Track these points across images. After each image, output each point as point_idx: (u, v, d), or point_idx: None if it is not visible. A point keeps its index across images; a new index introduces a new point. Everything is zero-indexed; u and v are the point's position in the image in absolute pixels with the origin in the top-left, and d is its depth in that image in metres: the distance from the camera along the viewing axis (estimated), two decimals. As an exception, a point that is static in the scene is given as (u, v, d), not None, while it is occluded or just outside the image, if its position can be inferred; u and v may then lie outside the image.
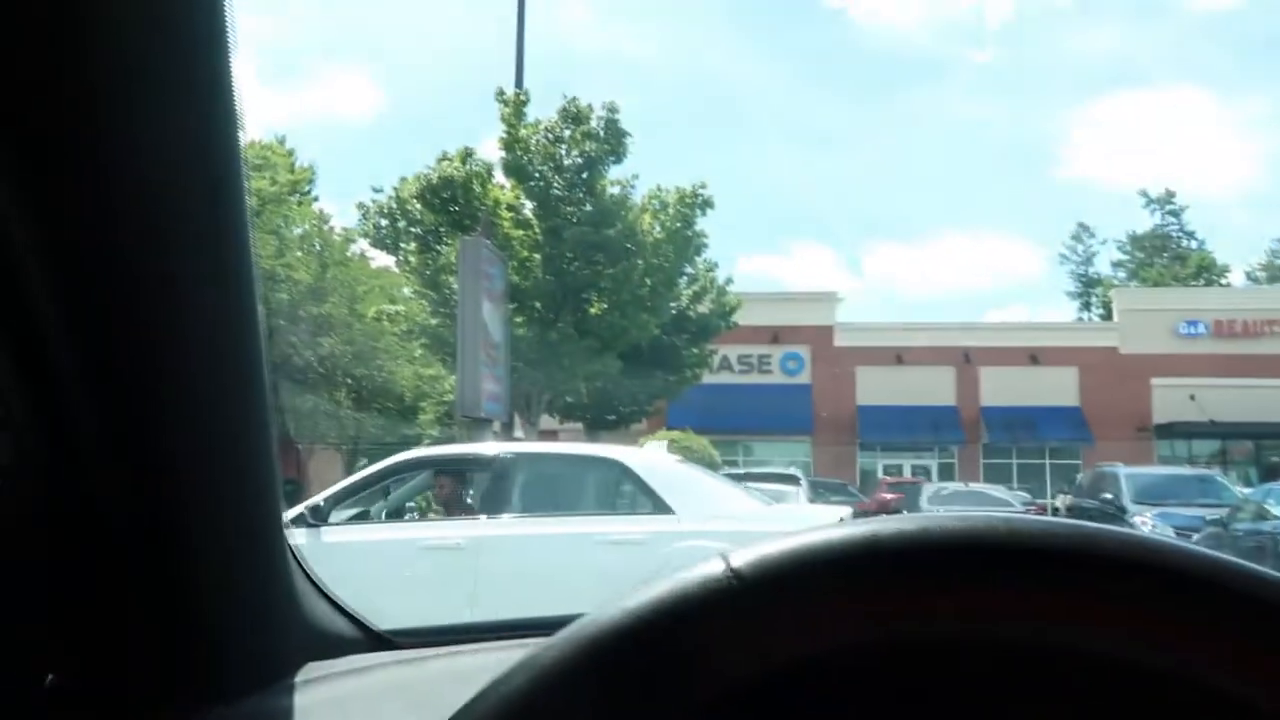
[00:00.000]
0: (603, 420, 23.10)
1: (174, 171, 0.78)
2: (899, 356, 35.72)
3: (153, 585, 0.95)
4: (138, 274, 0.79)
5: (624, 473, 7.25)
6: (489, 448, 8.24)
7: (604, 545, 6.58)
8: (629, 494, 7.30)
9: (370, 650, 1.20)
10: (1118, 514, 16.10)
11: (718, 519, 6.71)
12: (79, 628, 0.96)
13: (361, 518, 7.68)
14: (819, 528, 0.53)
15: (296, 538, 6.89)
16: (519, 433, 21.32)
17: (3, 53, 0.68)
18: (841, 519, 7.56)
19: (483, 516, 7.30)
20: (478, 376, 15.11)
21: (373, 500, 8.07)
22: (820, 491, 21.36)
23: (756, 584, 0.50)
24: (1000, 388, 35.21)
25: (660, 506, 6.89)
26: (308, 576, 1.14)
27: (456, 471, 7.68)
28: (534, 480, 7.67)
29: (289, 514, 8.13)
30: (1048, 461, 35.06)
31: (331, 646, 1.15)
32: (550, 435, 28.31)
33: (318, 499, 7.38)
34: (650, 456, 8.13)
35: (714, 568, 0.52)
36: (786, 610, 0.51)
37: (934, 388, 35.48)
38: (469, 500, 7.70)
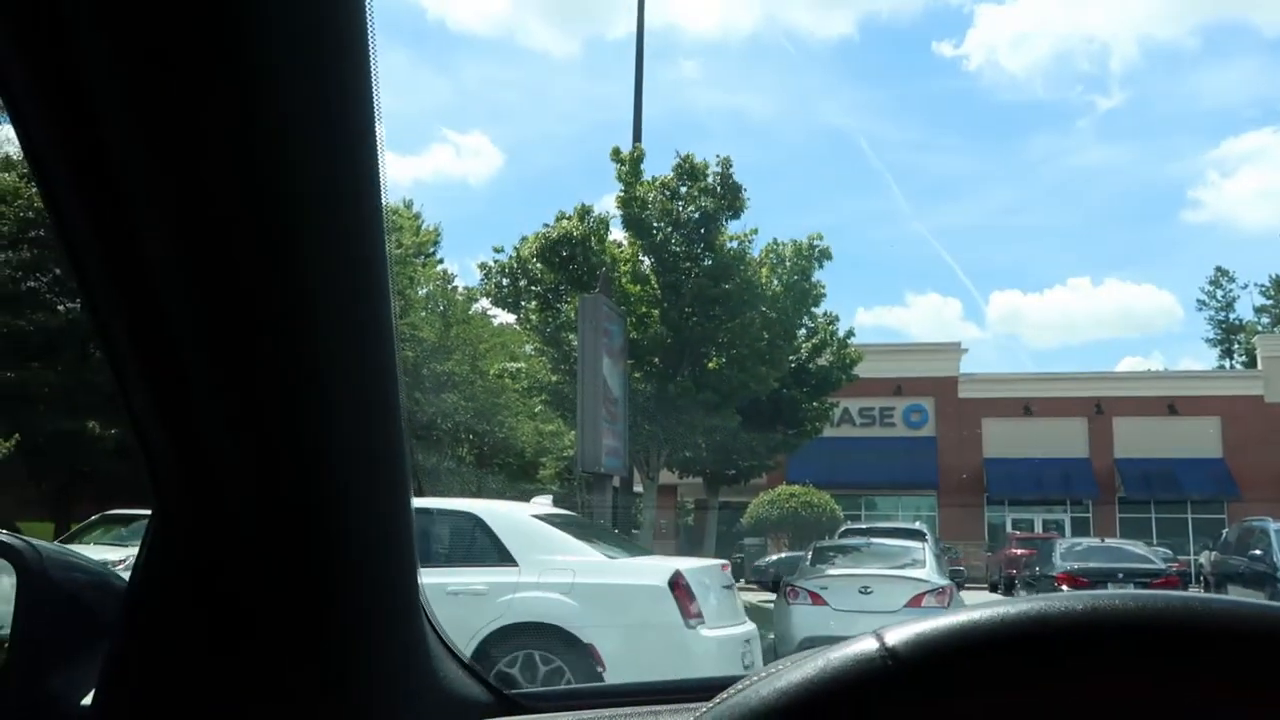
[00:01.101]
0: (722, 475, 22.95)
1: (328, 210, 0.77)
2: (1027, 407, 34.76)
3: (298, 652, 0.94)
4: (296, 351, 0.79)
5: (477, 525, 7.54)
6: None
7: (448, 595, 6.76)
8: (481, 546, 7.54)
9: (500, 714, 1.19)
10: (1269, 572, 15.26)
11: (557, 570, 7.07)
12: (225, 698, 0.96)
13: None
14: (981, 604, 0.48)
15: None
16: (638, 487, 21.33)
17: (177, 105, 0.68)
18: (678, 570, 7.15)
19: None
20: (598, 432, 15.21)
21: None
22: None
23: (913, 664, 0.46)
24: (1136, 439, 33.90)
25: (505, 558, 7.23)
26: (440, 639, 1.13)
27: None
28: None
29: None
30: (1189, 516, 33.49)
31: (462, 710, 1.13)
32: (670, 490, 28.28)
33: None
34: (504, 509, 8.31)
35: (867, 646, 0.48)
36: (945, 692, 0.46)
37: (1065, 439, 34.36)
38: None
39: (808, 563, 13.99)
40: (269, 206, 0.74)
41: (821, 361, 22.56)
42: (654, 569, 7.63)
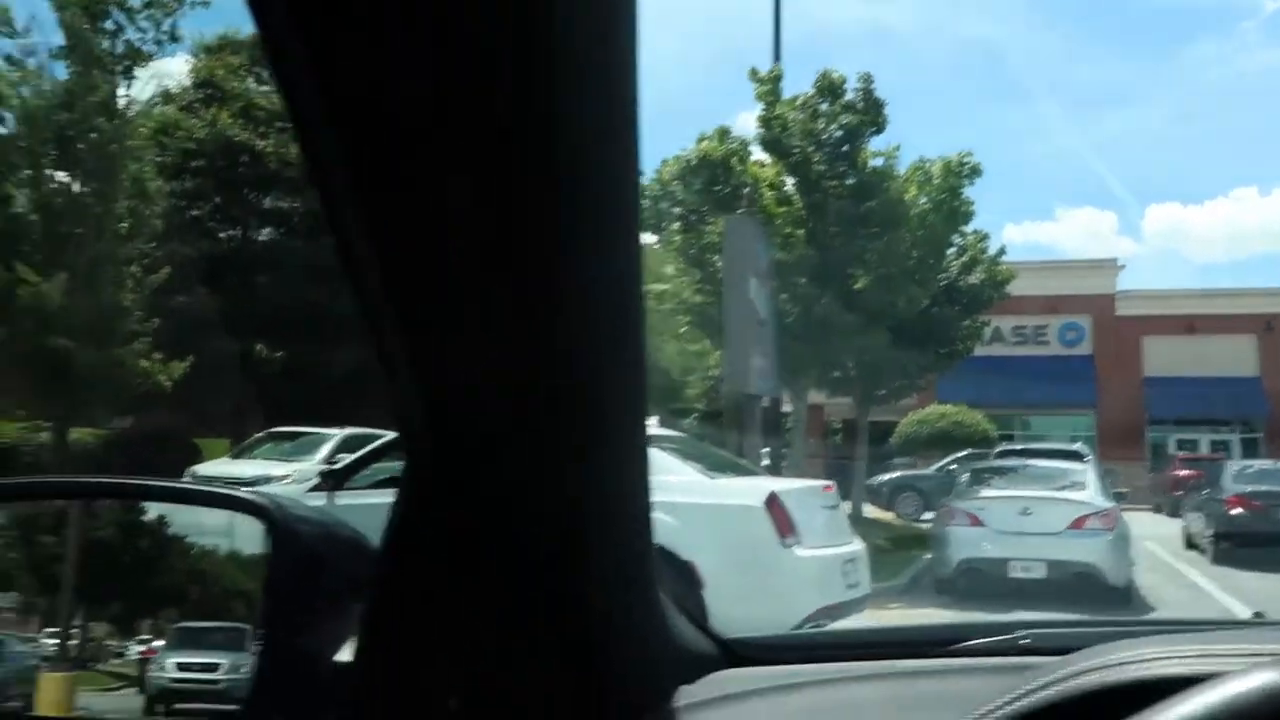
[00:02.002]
0: (871, 394, 22.66)
1: (589, 196, 0.74)
2: (1190, 325, 33.21)
3: (546, 617, 0.94)
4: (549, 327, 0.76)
5: None
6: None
7: None
8: None
9: (728, 666, 1.17)
10: None
11: (658, 490, 6.97)
12: (480, 658, 0.97)
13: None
14: None
15: (316, 500, 7.47)
16: (787, 407, 21.25)
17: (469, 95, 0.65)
18: (774, 491, 7.12)
19: None
20: (746, 353, 15.15)
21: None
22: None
23: None
24: (1312, 357, 32.10)
25: None
26: (668, 593, 1.11)
27: None
28: None
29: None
30: (1371, 437, 31.67)
31: (692, 665, 1.12)
32: (818, 410, 28.13)
33: (337, 465, 8.40)
34: None
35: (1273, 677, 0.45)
36: None
37: (1232, 358, 32.77)
38: None
39: (964, 484, 13.78)
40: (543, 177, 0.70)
41: (972, 280, 21.93)
42: (751, 490, 7.73)
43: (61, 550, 1.07)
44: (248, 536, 0.97)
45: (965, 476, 14.21)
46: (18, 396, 20.85)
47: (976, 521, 12.14)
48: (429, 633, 0.94)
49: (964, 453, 23.72)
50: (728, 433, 17.52)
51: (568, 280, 0.76)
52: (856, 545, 8.28)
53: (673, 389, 28.96)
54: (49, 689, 1.00)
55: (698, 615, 1.24)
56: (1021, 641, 1.18)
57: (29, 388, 20.17)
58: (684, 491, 7.25)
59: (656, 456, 7.69)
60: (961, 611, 10.66)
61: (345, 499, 7.61)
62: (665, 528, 7.32)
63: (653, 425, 10.06)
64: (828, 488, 8.69)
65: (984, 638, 1.22)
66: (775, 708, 1.04)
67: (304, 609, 0.90)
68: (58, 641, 1.02)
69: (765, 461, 15.60)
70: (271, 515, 0.90)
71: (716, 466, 8.62)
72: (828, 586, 7.35)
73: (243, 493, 0.93)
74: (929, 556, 13.43)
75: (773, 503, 7.30)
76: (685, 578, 6.84)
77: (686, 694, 1.06)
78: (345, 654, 0.92)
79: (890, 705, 1.01)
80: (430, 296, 0.75)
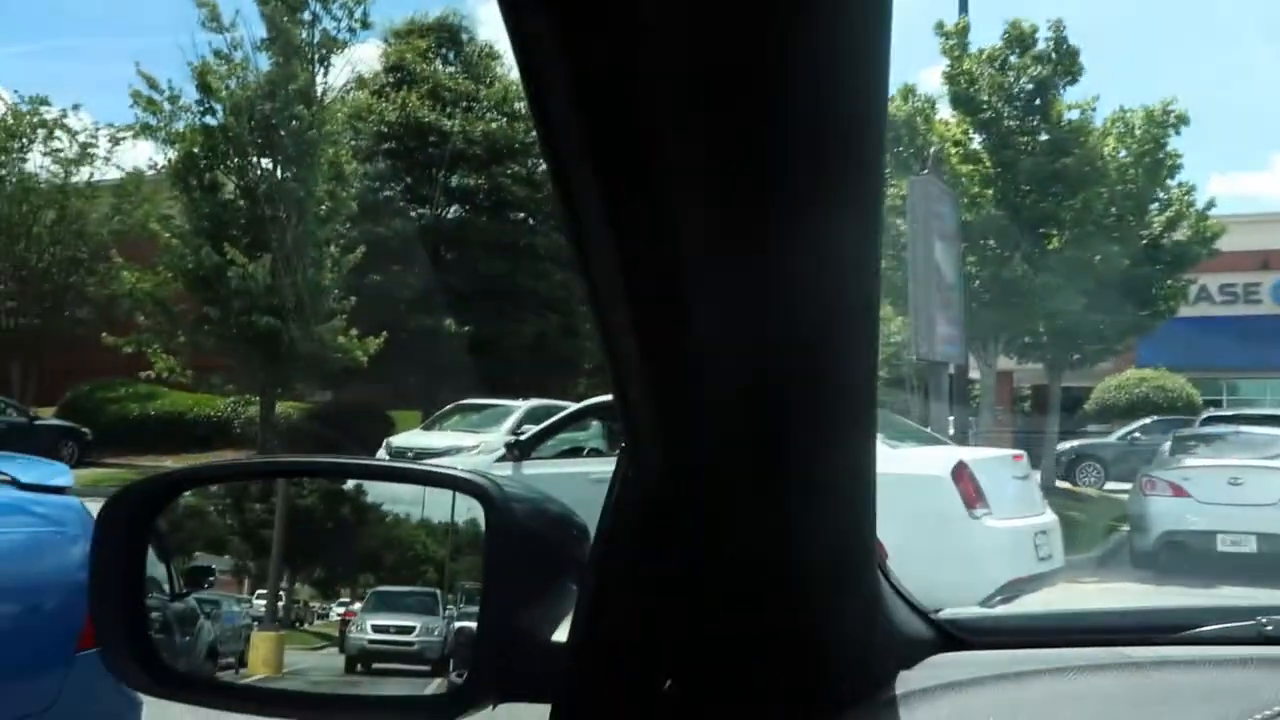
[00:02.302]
0: (1064, 359, 21.72)
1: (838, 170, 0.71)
2: None
3: (764, 597, 0.93)
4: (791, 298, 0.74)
5: None
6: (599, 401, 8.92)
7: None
8: None
9: (944, 649, 1.14)
10: None
11: None
12: (694, 638, 0.97)
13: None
14: None
15: (503, 470, 7.52)
16: (974, 374, 20.63)
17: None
18: (961, 460, 6.64)
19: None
20: (932, 319, 14.75)
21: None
22: None
23: None
24: None
25: None
26: (886, 579, 1.09)
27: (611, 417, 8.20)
28: None
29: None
30: None
31: (911, 649, 1.10)
32: (1007, 376, 27.20)
33: (523, 436, 8.47)
34: None
35: None
36: None
37: None
38: None
39: (1167, 453, 13.09)
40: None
41: (1177, 236, 20.69)
42: (938, 459, 7.49)
43: (269, 517, 1.14)
44: (438, 505, 1.01)
45: (1167, 445, 13.47)
46: (228, 373, 22.21)
47: (1180, 492, 11.52)
48: (645, 616, 0.94)
49: (1149, 419, 22.45)
50: (911, 402, 17.15)
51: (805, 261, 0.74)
52: (1049, 516, 7.98)
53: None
54: (261, 646, 1.06)
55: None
56: (1266, 629, 1.10)
57: (238, 364, 21.47)
58: None
59: None
60: (1162, 587, 10.17)
61: (531, 468, 7.81)
62: None
63: None
64: (1018, 457, 8.41)
65: (1217, 622, 1.14)
66: (1005, 698, 1.00)
67: (520, 586, 0.92)
68: (267, 603, 1.08)
69: (950, 431, 15.19)
70: (488, 493, 0.92)
71: (901, 435, 8.42)
72: (1018, 558, 7.10)
73: (461, 472, 0.97)
74: (1125, 529, 12.84)
75: (960, 472, 7.09)
76: None
77: (906, 680, 1.03)
78: (560, 633, 0.94)
79: (1133, 699, 0.96)
80: (665, 287, 0.74)
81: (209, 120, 21.29)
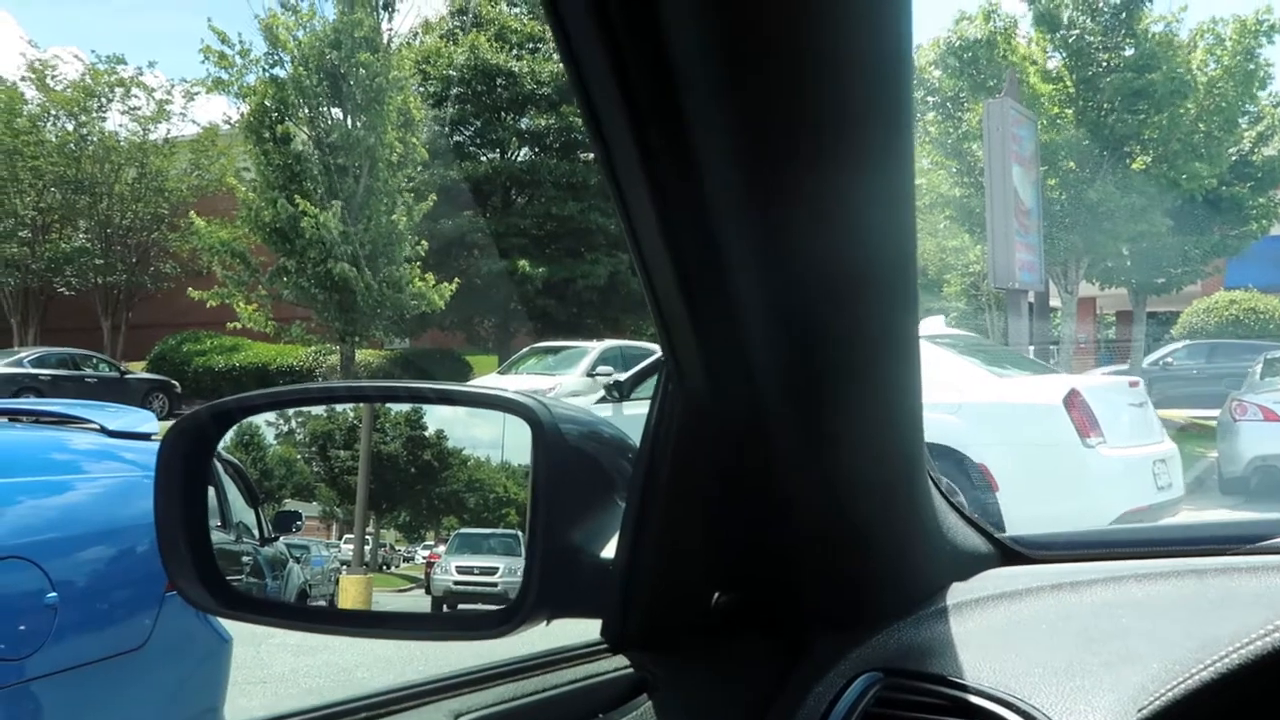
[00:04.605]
0: (1149, 284, 21.19)
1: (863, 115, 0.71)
2: None
3: (812, 510, 0.94)
4: (821, 196, 0.74)
5: None
6: None
7: None
8: None
9: (1003, 564, 1.13)
10: None
11: (943, 390, 6.76)
12: (743, 551, 0.98)
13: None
14: None
15: (603, 411, 7.55)
16: (1055, 302, 20.23)
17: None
18: (1074, 387, 6.30)
19: None
20: (1010, 245, 14.48)
21: None
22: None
23: None
24: None
25: None
26: (939, 490, 1.08)
27: None
28: None
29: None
30: None
31: (967, 564, 1.09)
32: (1089, 302, 26.62)
33: (620, 377, 8.53)
34: None
35: None
36: None
37: None
38: None
39: (1257, 376, 12.75)
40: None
41: (1269, 151, 19.94)
42: (1049, 387, 7.25)
43: (354, 464, 1.16)
44: (518, 448, 1.01)
45: (1259, 368, 13.12)
46: (308, 323, 22.64)
47: (1272, 416, 11.22)
48: (692, 530, 0.96)
49: (1180, 344, 21.62)
50: (991, 331, 16.88)
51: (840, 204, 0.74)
52: (1168, 444, 7.71)
53: (930, 287, 28.13)
54: (349, 589, 1.08)
55: (984, 517, 1.20)
56: None
57: (317, 314, 21.87)
58: (973, 391, 7.00)
59: (942, 356, 7.44)
60: (1255, 513, 9.96)
61: (631, 409, 7.86)
62: (954, 429, 7.07)
63: (939, 324, 9.84)
64: (1134, 383, 8.11)
65: None
66: (1059, 605, 1.00)
67: (569, 506, 0.93)
68: (354, 547, 1.10)
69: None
70: (536, 414, 0.93)
71: (1011, 365, 8.25)
72: (1135, 488, 6.89)
73: (508, 393, 0.97)
74: (1213, 455, 12.56)
75: (1073, 400, 6.86)
76: (976, 480, 6.64)
77: (959, 590, 1.04)
78: (610, 550, 0.95)
79: (1190, 604, 0.94)
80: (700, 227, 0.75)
81: (278, 72, 21.52)
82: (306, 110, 21.35)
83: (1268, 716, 0.57)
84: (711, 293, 0.79)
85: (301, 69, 20.81)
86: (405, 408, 1.11)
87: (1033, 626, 0.97)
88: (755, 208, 0.74)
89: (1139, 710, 0.71)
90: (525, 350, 18.05)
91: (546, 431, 0.92)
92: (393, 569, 1.08)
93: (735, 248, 0.76)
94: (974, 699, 0.84)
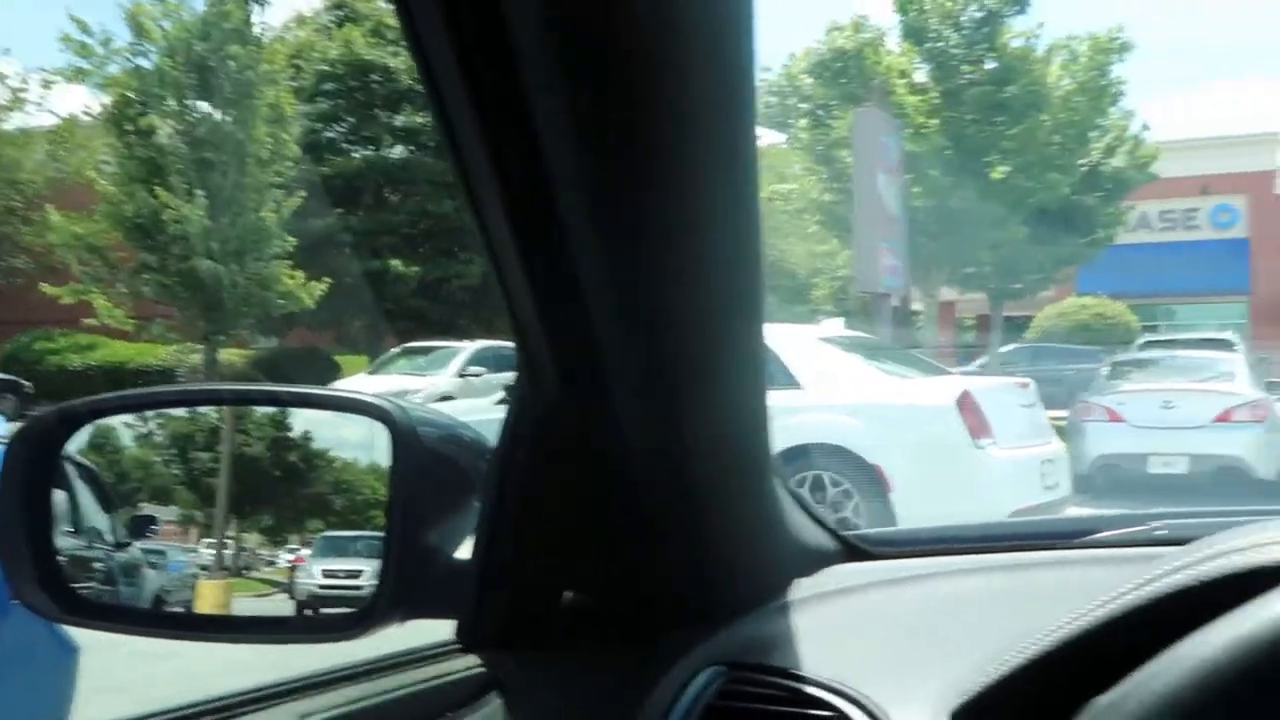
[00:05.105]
0: (1006, 289, 22.00)
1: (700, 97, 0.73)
2: (1358, 200, 31.15)
3: (660, 509, 0.96)
4: (664, 202, 0.77)
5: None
6: None
7: None
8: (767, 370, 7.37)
9: (847, 561, 1.17)
10: None
11: (842, 391, 7.00)
12: (593, 550, 1.00)
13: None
14: None
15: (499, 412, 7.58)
16: (917, 305, 20.84)
17: None
18: (966, 389, 6.58)
19: None
20: (875, 251, 14.88)
21: None
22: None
23: None
24: None
25: (789, 380, 7.02)
26: (786, 488, 1.12)
27: None
28: None
29: None
30: None
31: (812, 560, 1.13)
32: (950, 306, 27.51)
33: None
34: (788, 333, 8.06)
35: None
36: None
37: (1403, 234, 30.67)
38: None
39: (1104, 377, 13.36)
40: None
41: (1116, 163, 20.94)
42: (942, 388, 7.40)
43: (215, 466, 1.14)
44: (386, 450, 1.02)
45: (1105, 370, 13.75)
46: (169, 321, 21.89)
47: (1115, 417, 11.76)
48: (546, 529, 0.97)
49: (1013, 346, 22.42)
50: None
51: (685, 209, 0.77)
52: (1056, 445, 7.88)
53: (800, 290, 28.66)
54: (206, 594, 1.07)
55: (879, 518, 1.23)
56: (1157, 532, 1.14)
57: (180, 312, 21.15)
58: (869, 392, 7.10)
59: (840, 358, 7.51)
60: (1098, 509, 10.40)
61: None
62: (850, 429, 7.11)
63: (837, 326, 9.92)
64: (1024, 384, 8.26)
65: (1113, 529, 1.18)
66: (892, 600, 1.05)
67: (426, 508, 0.94)
68: (214, 551, 1.09)
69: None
70: (393, 417, 0.94)
71: (906, 366, 8.38)
72: (1024, 488, 7.01)
73: (365, 396, 0.98)
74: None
75: (965, 401, 7.00)
76: (871, 481, 6.70)
77: (801, 586, 1.07)
78: (466, 551, 0.96)
79: (1009, 597, 1.00)
80: (543, 210, 0.76)
81: (143, 63, 20.74)
82: (173, 103, 20.63)
83: (1074, 699, 0.61)
84: (562, 295, 0.82)
85: (168, 60, 20.09)
86: (269, 410, 1.10)
87: (868, 620, 1.02)
88: (601, 208, 0.76)
89: (959, 697, 0.76)
90: (396, 350, 17.76)
91: (403, 434, 0.93)
92: (254, 574, 1.07)
93: (583, 249, 0.78)
94: (810, 689, 0.87)
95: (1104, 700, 0.56)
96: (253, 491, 1.13)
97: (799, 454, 6.88)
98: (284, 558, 1.07)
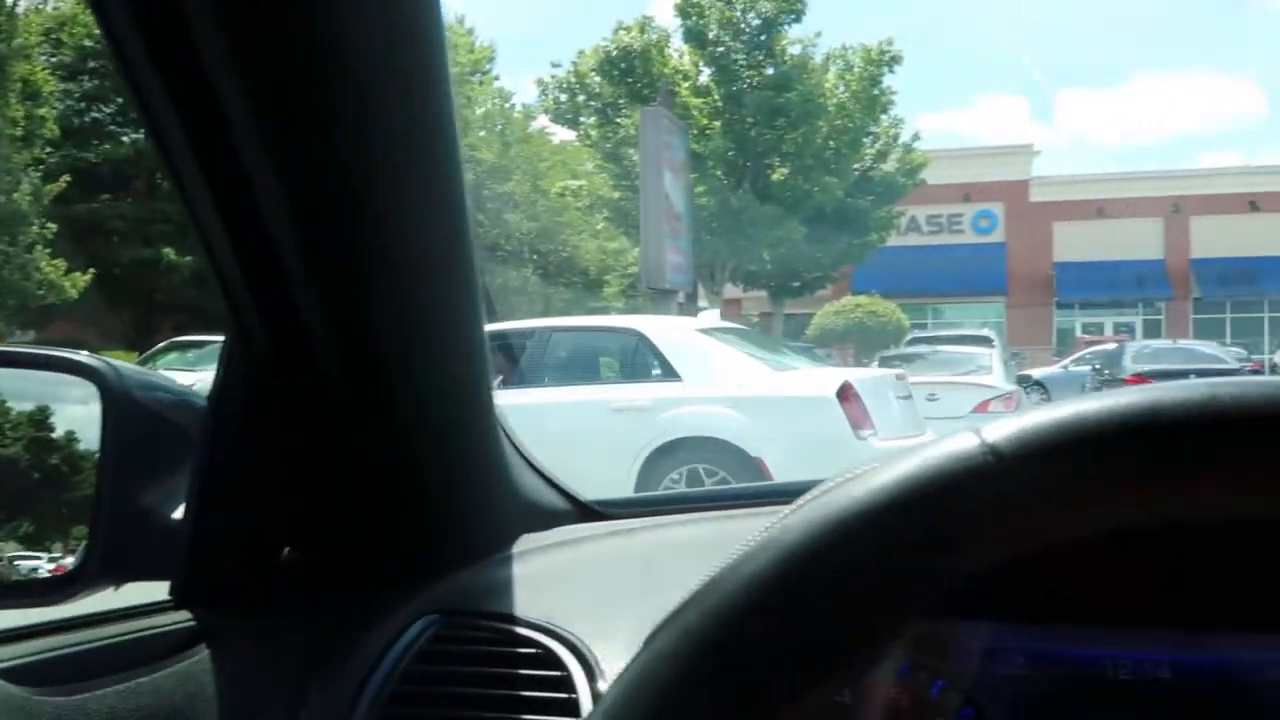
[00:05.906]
0: (787, 287, 22.85)
1: (384, 64, 0.77)
2: (1100, 209, 33.77)
3: (378, 466, 0.99)
4: (352, 166, 0.80)
5: (640, 341, 7.42)
6: (523, 324, 8.58)
7: (613, 412, 6.90)
8: (644, 362, 7.46)
9: (580, 521, 1.22)
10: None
11: (722, 384, 6.99)
12: (311, 507, 1.01)
13: None
14: (1089, 397, 0.44)
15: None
16: (703, 302, 21.35)
17: None
18: (846, 380, 6.70)
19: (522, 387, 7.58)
20: (661, 248, 15.15)
21: None
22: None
23: (1016, 460, 0.43)
24: (1214, 238, 32.87)
25: (669, 373, 7.11)
26: (518, 451, 1.16)
27: (504, 346, 7.83)
28: (563, 352, 8.05)
29: None
30: (1266, 315, 32.77)
31: (543, 519, 1.18)
32: (734, 304, 28.30)
33: None
34: (667, 325, 8.16)
35: (967, 442, 0.44)
36: (1049, 490, 0.43)
37: (1139, 241, 33.48)
38: (517, 371, 7.87)
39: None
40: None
41: (886, 168, 22.06)
42: (822, 379, 7.37)
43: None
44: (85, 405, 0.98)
45: (874, 364, 14.49)
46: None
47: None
48: (261, 487, 0.98)
49: (910, 336, 23.58)
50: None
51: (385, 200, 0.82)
52: (929, 436, 8.01)
53: (591, 287, 28.90)
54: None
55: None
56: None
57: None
58: (750, 384, 7.02)
59: (720, 350, 7.42)
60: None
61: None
62: (730, 422, 6.81)
63: (714, 317, 9.81)
64: (901, 376, 8.30)
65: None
66: (603, 550, 1.11)
67: (139, 469, 0.93)
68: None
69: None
70: (104, 377, 0.91)
71: (787, 357, 8.36)
72: None
73: (73, 354, 0.95)
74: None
75: (846, 393, 6.92)
76: (753, 473, 6.60)
77: (526, 541, 1.11)
78: (178, 513, 0.96)
79: (715, 544, 1.08)
80: (237, 173, 0.79)
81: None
82: (-91, 74, 18.96)
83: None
84: (266, 253, 0.83)
85: (-97, 28, 18.46)
86: (28, 406, 1.05)
87: (586, 567, 1.07)
88: (300, 192, 0.80)
89: (653, 628, 0.82)
90: (164, 344, 16.88)
91: (116, 395, 0.91)
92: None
93: (279, 219, 0.81)
94: (520, 630, 0.91)
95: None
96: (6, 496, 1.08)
97: (678, 447, 6.86)
98: (46, 568, 1.04)
